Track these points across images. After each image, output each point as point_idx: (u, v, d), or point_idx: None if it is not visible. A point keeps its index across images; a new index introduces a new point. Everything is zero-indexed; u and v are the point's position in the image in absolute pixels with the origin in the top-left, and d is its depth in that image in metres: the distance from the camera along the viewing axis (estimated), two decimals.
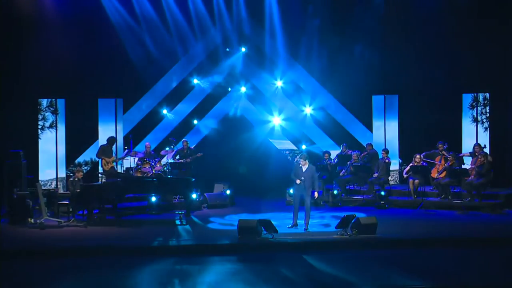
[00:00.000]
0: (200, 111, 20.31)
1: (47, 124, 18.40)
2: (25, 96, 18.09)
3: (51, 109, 18.42)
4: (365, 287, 10.07)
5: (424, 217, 15.47)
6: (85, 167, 18.06)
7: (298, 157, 14.11)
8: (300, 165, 13.86)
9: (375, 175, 17.33)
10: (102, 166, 17.08)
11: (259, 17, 19.95)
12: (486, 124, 18.91)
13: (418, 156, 16.94)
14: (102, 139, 18.31)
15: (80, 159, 19.00)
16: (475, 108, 19.00)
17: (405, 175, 17.34)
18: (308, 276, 10.64)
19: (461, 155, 17.44)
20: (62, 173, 18.66)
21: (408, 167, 17.16)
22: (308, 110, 20.47)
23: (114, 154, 17.60)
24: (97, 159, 17.53)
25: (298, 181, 13.75)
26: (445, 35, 18.81)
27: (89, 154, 18.72)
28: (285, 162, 14.39)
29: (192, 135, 20.01)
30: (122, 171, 17.64)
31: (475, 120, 18.92)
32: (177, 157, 17.98)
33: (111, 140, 17.27)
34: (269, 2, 19.79)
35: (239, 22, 20.03)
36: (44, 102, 18.43)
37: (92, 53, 18.57)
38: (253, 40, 20.16)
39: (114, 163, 17.33)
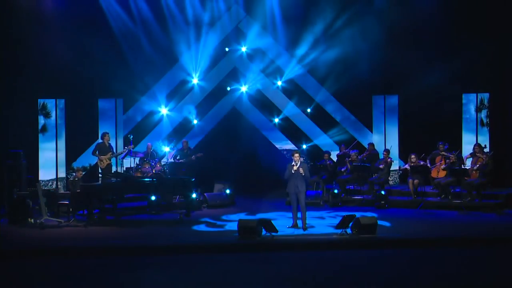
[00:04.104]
0: (200, 111, 20.31)
1: (39, 128, 18.38)
2: (25, 96, 18.10)
3: (44, 112, 18.40)
4: (365, 287, 10.07)
5: (424, 217, 15.47)
6: (83, 173, 18.00)
7: (293, 153, 14.04)
8: (293, 162, 13.81)
9: (381, 166, 17.26)
10: (98, 164, 17.09)
11: (259, 17, 19.95)
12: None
13: (413, 156, 16.95)
14: None
15: (80, 160, 18.95)
16: (481, 111, 19.03)
17: (407, 167, 17.31)
18: (308, 276, 10.63)
19: (465, 156, 17.32)
20: (62, 173, 18.66)
21: (407, 167, 17.17)
22: (308, 109, 20.47)
23: (114, 151, 17.55)
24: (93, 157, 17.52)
25: (295, 168, 13.64)
26: (445, 35, 18.82)
27: (88, 155, 18.65)
28: (285, 162, 14.46)
29: (192, 135, 20.01)
30: (122, 171, 17.61)
31: (482, 124, 18.96)
32: (178, 157, 17.99)
33: (102, 135, 17.22)
34: (269, 2, 19.80)
35: (238, 21, 20.06)
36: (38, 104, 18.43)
37: (92, 53, 18.58)
38: (253, 39, 20.15)
39: (113, 160, 17.34)
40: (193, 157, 17.77)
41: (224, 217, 15.67)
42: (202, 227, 14.47)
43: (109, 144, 17.29)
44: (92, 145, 17.98)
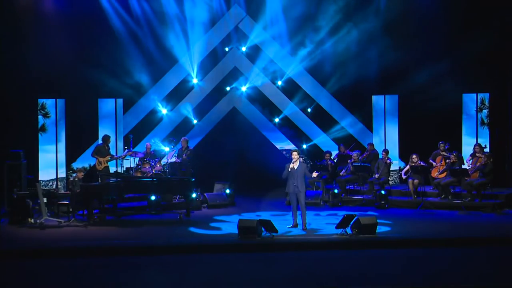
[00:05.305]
0: (200, 111, 20.30)
1: (38, 127, 18.39)
2: (25, 96, 18.09)
3: (42, 112, 18.40)
4: (365, 287, 10.07)
5: (424, 217, 15.47)
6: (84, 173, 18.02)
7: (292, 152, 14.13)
8: (292, 162, 13.82)
9: (376, 176, 17.31)
10: (96, 166, 17.10)
11: (259, 16, 19.96)
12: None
13: (414, 156, 16.94)
14: None
15: (80, 160, 18.93)
16: (482, 111, 19.04)
17: (404, 176, 17.33)
18: (308, 276, 10.64)
19: (467, 159, 17.21)
20: (62, 173, 18.65)
21: (407, 167, 17.16)
22: (308, 109, 20.46)
23: (113, 153, 17.59)
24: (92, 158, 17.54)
25: (291, 166, 13.71)
26: (445, 35, 18.82)
27: (88, 155, 18.64)
28: (285, 162, 14.54)
29: (192, 135, 19.99)
30: (122, 171, 17.61)
31: (483, 124, 18.98)
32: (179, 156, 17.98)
33: (104, 138, 17.31)
34: (269, 2, 19.80)
35: (238, 21, 20.07)
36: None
37: (92, 53, 18.58)
38: (253, 39, 20.15)
39: (114, 162, 17.37)
40: (184, 155, 17.72)
41: (224, 217, 15.66)
42: (202, 227, 14.45)
43: (109, 147, 17.31)
44: (92, 146, 17.99)
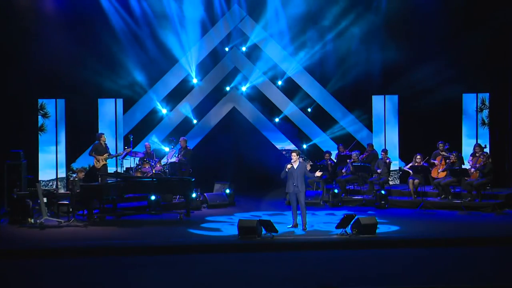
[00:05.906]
0: (200, 111, 20.29)
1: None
2: (25, 96, 18.09)
3: (41, 112, 18.39)
4: (365, 287, 10.07)
5: (424, 217, 15.47)
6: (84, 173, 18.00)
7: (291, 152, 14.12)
8: (291, 162, 13.83)
9: (379, 171, 17.28)
10: (94, 164, 17.10)
11: (259, 16, 19.96)
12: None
13: (418, 156, 16.92)
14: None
15: (79, 160, 18.91)
16: (482, 111, 19.05)
17: (410, 171, 17.22)
18: (308, 276, 10.63)
19: (468, 160, 17.16)
20: (62, 174, 18.65)
21: (411, 164, 17.15)
22: (308, 109, 20.46)
23: (112, 152, 17.56)
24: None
25: (289, 166, 13.73)
26: (445, 35, 18.83)
27: (88, 155, 18.66)
28: (285, 162, 14.61)
29: (192, 135, 19.99)
30: (122, 171, 17.60)
31: (484, 124, 19.00)
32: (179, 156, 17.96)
33: (99, 136, 17.23)
34: (270, 2, 19.80)
35: (239, 21, 20.06)
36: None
37: (92, 53, 18.58)
38: (253, 39, 20.15)
39: (114, 162, 17.33)
40: (179, 155, 17.68)
41: (224, 217, 15.66)
42: (201, 227, 14.45)
43: (106, 144, 17.28)
44: (92, 146, 17.98)
